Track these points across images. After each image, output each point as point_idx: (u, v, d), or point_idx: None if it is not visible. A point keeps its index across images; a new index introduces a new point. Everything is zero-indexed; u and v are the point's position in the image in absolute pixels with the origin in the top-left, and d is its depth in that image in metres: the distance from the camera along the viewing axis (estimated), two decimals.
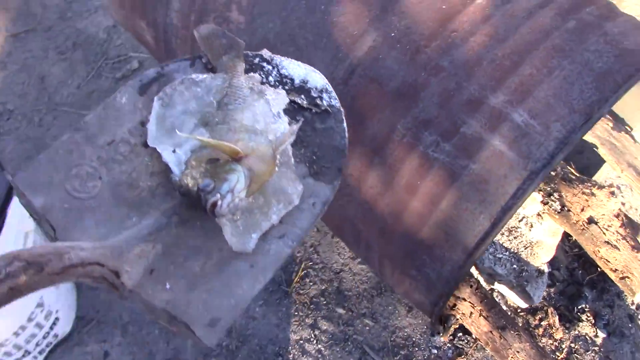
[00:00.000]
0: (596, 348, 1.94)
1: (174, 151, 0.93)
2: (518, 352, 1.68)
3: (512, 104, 1.31)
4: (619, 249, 1.73)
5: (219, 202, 0.85)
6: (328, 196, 0.99)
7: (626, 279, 1.73)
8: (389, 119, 1.40)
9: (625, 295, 2.04)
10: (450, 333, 1.97)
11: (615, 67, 1.33)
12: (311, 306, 2.01)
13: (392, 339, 1.97)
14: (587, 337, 1.96)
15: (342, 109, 1.08)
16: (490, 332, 1.69)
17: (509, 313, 1.99)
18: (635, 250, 1.73)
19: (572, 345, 1.94)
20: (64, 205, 0.88)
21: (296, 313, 1.99)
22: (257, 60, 1.08)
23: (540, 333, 1.96)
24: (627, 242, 1.74)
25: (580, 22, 1.38)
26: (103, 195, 0.91)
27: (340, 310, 2.01)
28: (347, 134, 1.06)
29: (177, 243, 0.89)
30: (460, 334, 1.98)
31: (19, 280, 0.65)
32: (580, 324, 1.98)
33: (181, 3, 1.69)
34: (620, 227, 1.75)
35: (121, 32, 2.59)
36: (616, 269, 1.74)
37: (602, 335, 1.96)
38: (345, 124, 1.06)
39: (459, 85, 1.35)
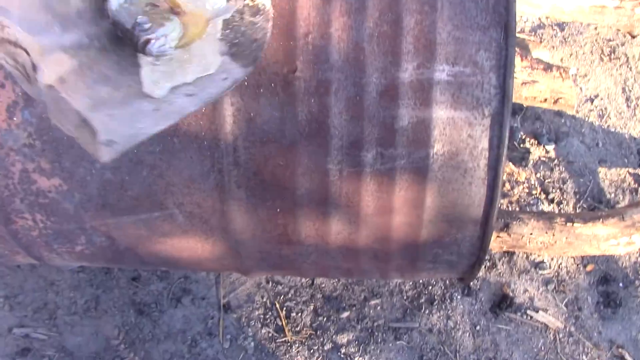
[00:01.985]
0: (555, 161, 1.93)
1: None
2: (531, 234, 1.62)
3: (425, 65, 1.09)
4: (537, 82, 1.65)
5: (153, 41, 0.94)
6: (240, 77, 1.02)
7: (559, 100, 1.67)
8: (314, 166, 1.14)
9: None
10: None
11: None
12: (318, 332, 1.82)
13: (405, 297, 1.85)
14: (542, 159, 1.94)
15: (272, 11, 1.07)
16: (498, 237, 1.61)
17: None
18: (549, 71, 1.65)
19: (539, 175, 1.91)
20: None
21: (312, 352, 1.80)
22: None
23: (511, 190, 1.91)
24: (538, 69, 1.65)
25: None
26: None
27: (345, 314, 1.84)
28: (269, 34, 1.06)
29: (91, 66, 0.94)
30: None
31: None
32: (530, 152, 1.94)
33: None
34: (521, 62, 1.65)
35: None
36: (546, 98, 1.67)
37: (551, 147, 1.94)
38: (271, 25, 1.06)
39: (357, 85, 1.09)
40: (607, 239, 1.65)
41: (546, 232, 1.62)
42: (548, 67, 1.67)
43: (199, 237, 1.27)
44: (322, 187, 1.16)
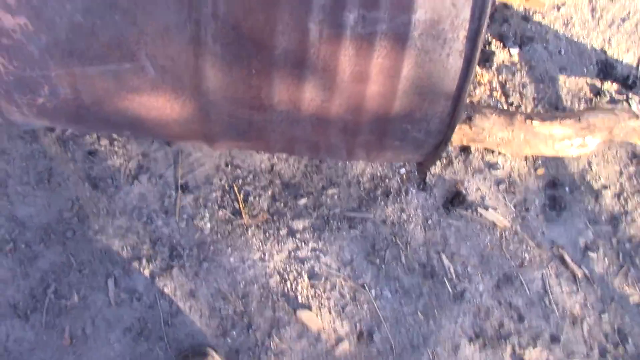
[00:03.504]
0: (518, 65, 1.96)
1: None
2: (492, 129, 1.65)
3: None
4: None
5: None
6: None
7: None
8: (294, 24, 1.12)
9: (514, 8, 2.01)
10: None
11: None
12: (274, 217, 1.84)
13: (362, 189, 1.88)
14: (505, 62, 1.96)
15: None
16: (460, 129, 1.63)
17: None
18: None
19: (501, 78, 1.94)
20: None
21: (268, 235, 1.82)
22: None
23: (473, 91, 1.93)
24: None
25: None
26: None
27: (302, 201, 1.86)
28: None
29: None
30: None
31: None
32: (495, 55, 1.96)
33: None
34: None
35: None
36: None
37: (515, 51, 1.97)
38: None
39: None
40: (562, 139, 1.70)
41: (506, 128, 1.66)
42: None
43: (169, 95, 1.24)
44: (300, 48, 1.15)
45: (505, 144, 1.70)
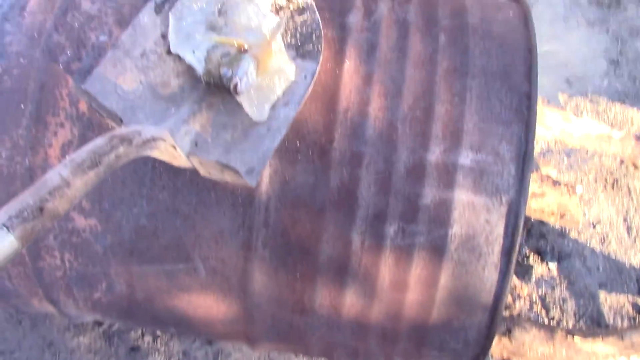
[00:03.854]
0: (557, 280, 1.99)
1: (193, 53, 1.16)
2: (532, 343, 1.64)
3: (451, 150, 1.19)
4: (545, 194, 1.75)
5: (239, 83, 1.11)
6: (315, 69, 1.20)
7: (565, 215, 1.76)
8: (339, 234, 1.21)
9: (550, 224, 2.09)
10: None
11: (508, 57, 1.26)
12: None
13: None
14: (544, 277, 2.00)
15: (312, 3, 1.25)
16: (500, 342, 1.63)
17: None
18: (557, 186, 1.76)
19: (540, 292, 1.96)
20: (120, 105, 1.13)
21: None
22: None
23: (513, 303, 1.95)
24: (547, 183, 1.76)
25: (446, 32, 1.28)
26: (146, 95, 1.16)
27: None
28: (321, 23, 1.23)
29: (208, 122, 1.15)
30: None
31: (119, 151, 0.97)
32: (534, 268, 2.00)
33: None
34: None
35: None
36: (553, 212, 1.76)
37: (554, 266, 2.01)
38: (317, 15, 1.24)
39: (388, 161, 1.19)
40: (605, 357, 1.67)
41: (547, 343, 1.65)
42: (556, 183, 1.78)
43: (217, 295, 1.31)
44: (343, 256, 1.22)
45: None
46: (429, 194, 1.18)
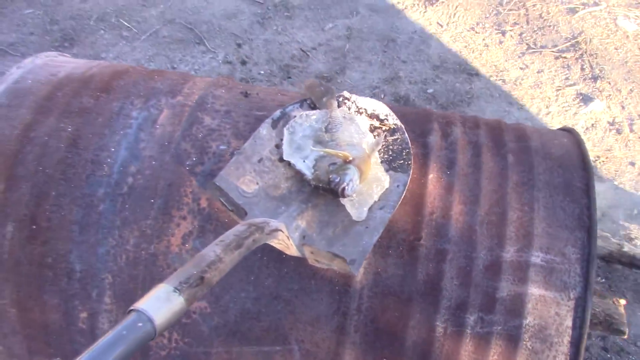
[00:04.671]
0: None
1: (303, 161, 1.40)
2: None
3: (523, 250, 1.37)
4: (594, 303, 1.89)
5: (346, 188, 1.31)
6: (406, 180, 1.41)
7: (612, 325, 1.89)
8: (424, 321, 1.36)
9: None
10: None
11: (568, 175, 1.47)
12: None
13: None
14: None
15: (402, 126, 1.50)
16: None
17: None
18: (604, 298, 1.91)
19: None
20: (239, 201, 1.37)
21: None
22: (341, 99, 1.55)
23: None
24: (595, 294, 1.91)
25: (513, 153, 1.51)
26: (260, 194, 1.40)
27: None
28: (409, 142, 1.47)
29: (314, 220, 1.37)
30: None
31: (255, 236, 1.19)
32: None
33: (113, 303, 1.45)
34: None
35: None
36: (601, 321, 1.90)
37: None
38: (407, 135, 1.49)
39: (468, 257, 1.37)
40: None
41: None
42: (602, 295, 1.92)
43: None
44: (427, 342, 1.36)
45: None
46: (505, 288, 1.35)
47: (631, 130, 2.76)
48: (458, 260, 1.37)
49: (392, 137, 1.47)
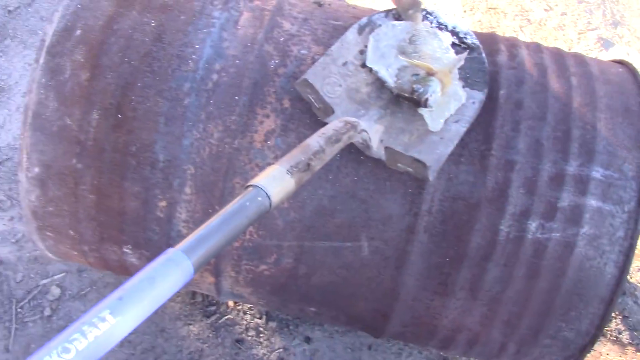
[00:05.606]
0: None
1: (387, 69, 1.46)
2: (608, 354, 1.88)
3: (585, 165, 1.47)
4: None
5: (429, 98, 1.38)
6: (481, 98, 1.49)
7: None
8: (489, 225, 1.47)
9: None
10: None
11: (625, 100, 1.57)
12: None
13: None
14: None
15: (480, 45, 1.56)
16: None
17: None
18: None
19: None
20: (324, 100, 1.44)
21: None
22: (424, 12, 1.59)
23: None
24: None
25: (576, 75, 1.60)
26: (342, 97, 1.46)
27: None
28: (486, 61, 1.54)
29: (391, 126, 1.44)
30: None
31: (350, 133, 1.29)
32: None
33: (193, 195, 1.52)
34: None
35: (10, 259, 2.17)
36: None
37: None
38: (484, 55, 1.55)
39: (535, 169, 1.47)
40: None
41: (620, 355, 1.90)
42: None
43: (372, 273, 1.54)
44: (490, 244, 1.48)
45: None
46: (566, 198, 1.46)
47: None
48: (525, 170, 1.47)
49: (470, 56, 1.54)
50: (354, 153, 1.47)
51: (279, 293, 1.67)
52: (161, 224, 1.57)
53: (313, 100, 1.44)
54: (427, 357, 2.13)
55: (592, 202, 1.46)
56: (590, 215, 1.46)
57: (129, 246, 1.64)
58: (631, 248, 1.46)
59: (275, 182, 1.09)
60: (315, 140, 1.21)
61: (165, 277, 0.88)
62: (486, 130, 1.49)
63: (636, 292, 2.33)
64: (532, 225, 1.46)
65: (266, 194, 1.06)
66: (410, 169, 1.42)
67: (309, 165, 1.14)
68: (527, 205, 1.46)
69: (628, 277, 2.32)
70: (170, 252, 0.91)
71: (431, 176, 1.39)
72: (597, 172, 1.47)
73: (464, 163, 1.47)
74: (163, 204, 1.54)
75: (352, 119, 1.33)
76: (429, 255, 1.50)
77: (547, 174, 1.47)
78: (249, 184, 1.08)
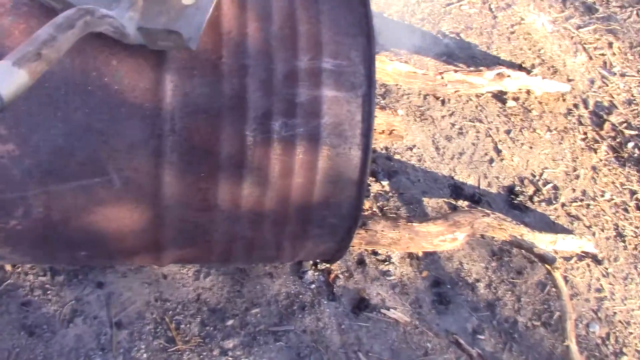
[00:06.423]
0: (390, 193, 2.42)
1: None
2: (383, 231, 2.04)
3: (315, 58, 1.51)
4: (376, 116, 2.15)
5: None
6: None
7: (393, 131, 2.18)
8: (234, 133, 1.47)
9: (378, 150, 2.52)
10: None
11: None
12: (206, 340, 2.01)
13: (280, 306, 2.12)
14: (380, 192, 2.42)
15: None
16: (358, 234, 2.00)
17: None
18: (384, 109, 2.17)
19: (379, 204, 2.37)
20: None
21: (202, 357, 1.98)
22: None
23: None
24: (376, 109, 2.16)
25: None
26: None
27: (229, 322, 2.06)
28: None
29: (147, 11, 1.36)
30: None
31: (87, 19, 1.22)
32: (370, 187, 2.41)
33: None
34: None
35: None
36: (383, 130, 2.17)
37: (385, 182, 2.44)
38: None
39: (267, 69, 1.48)
40: (437, 235, 2.12)
41: (393, 230, 2.05)
42: (382, 107, 2.20)
43: (130, 204, 1.50)
44: (239, 152, 1.49)
45: (395, 243, 2.07)
46: (303, 93, 1.50)
47: None
48: (259, 73, 1.48)
49: None
50: (81, 84, 1.38)
51: (40, 245, 1.58)
52: None
53: (53, 3, 1.33)
54: (224, 273, 2.17)
55: (328, 92, 1.52)
56: (328, 106, 1.52)
57: None
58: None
59: (2, 76, 1.03)
60: (44, 30, 1.14)
61: None
62: (214, 39, 1.47)
63: (407, 170, 2.52)
64: (276, 125, 1.49)
65: None
66: (172, 44, 1.38)
67: (39, 54, 1.08)
68: (267, 106, 1.48)
69: (399, 157, 2.50)
70: None
71: (193, 46, 1.36)
72: (327, 63, 1.52)
73: (198, 76, 1.45)
74: None
75: (88, 6, 1.26)
76: (183, 175, 1.49)
77: (281, 73, 1.49)
78: None
